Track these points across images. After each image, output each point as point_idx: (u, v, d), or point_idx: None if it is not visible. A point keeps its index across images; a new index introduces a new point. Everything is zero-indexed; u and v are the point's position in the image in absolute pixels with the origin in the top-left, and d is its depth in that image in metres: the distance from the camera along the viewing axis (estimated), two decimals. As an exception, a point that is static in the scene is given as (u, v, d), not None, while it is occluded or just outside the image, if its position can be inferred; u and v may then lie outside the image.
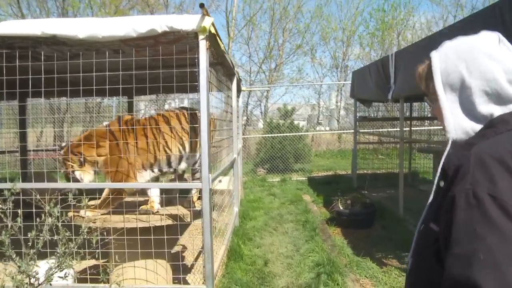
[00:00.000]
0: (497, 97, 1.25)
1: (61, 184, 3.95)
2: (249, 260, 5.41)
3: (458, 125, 1.28)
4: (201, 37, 3.66)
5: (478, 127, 1.26)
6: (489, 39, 1.30)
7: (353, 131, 13.15)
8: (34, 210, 3.36)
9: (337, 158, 16.68)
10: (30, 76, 3.96)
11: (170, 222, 3.88)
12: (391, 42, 20.96)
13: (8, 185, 3.05)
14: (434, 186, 1.28)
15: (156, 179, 4.54)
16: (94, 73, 3.91)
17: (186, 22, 3.59)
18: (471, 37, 1.32)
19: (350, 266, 5.26)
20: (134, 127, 4.21)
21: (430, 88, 1.36)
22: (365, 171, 11.74)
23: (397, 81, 7.17)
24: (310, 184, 11.23)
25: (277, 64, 20.50)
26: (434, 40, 5.73)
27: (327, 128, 20.75)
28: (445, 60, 1.32)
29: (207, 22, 3.60)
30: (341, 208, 7.16)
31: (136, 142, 4.18)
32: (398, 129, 14.56)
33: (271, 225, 7.32)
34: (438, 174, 1.27)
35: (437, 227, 1.21)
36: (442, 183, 1.24)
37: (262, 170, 13.11)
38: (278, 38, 20.52)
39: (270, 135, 13.29)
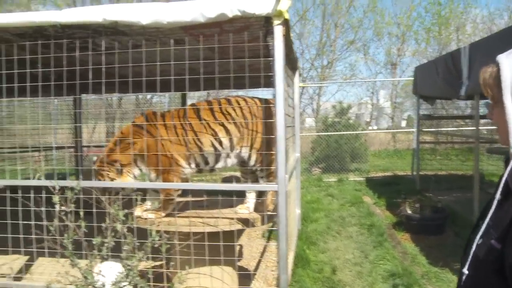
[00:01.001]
0: None
1: (123, 184, 3.68)
2: (315, 267, 5.01)
3: None
4: (276, 22, 3.29)
5: None
6: None
7: (413, 130, 12.55)
8: (94, 210, 3.11)
9: (393, 158, 15.96)
10: (90, 67, 3.74)
11: (239, 226, 3.53)
12: (449, 37, 19.97)
13: (70, 183, 2.78)
14: (496, 201, 1.22)
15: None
16: (158, 63, 3.62)
17: (260, 5, 3.23)
18: None
19: (428, 278, 4.76)
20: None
21: (494, 94, 1.27)
22: (426, 172, 11.05)
23: (471, 76, 6.57)
24: (369, 185, 10.68)
25: (329, 60, 19.94)
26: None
27: (375, 127, 20.07)
28: None
29: (284, 5, 3.22)
30: (409, 212, 6.64)
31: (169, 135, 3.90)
32: (455, 128, 13.90)
33: (334, 228, 6.87)
34: (500, 189, 1.21)
35: (498, 244, 1.17)
36: (500, 198, 1.20)
37: (317, 170, 12.61)
38: (330, 34, 19.97)
39: (325, 134, 12.79)
